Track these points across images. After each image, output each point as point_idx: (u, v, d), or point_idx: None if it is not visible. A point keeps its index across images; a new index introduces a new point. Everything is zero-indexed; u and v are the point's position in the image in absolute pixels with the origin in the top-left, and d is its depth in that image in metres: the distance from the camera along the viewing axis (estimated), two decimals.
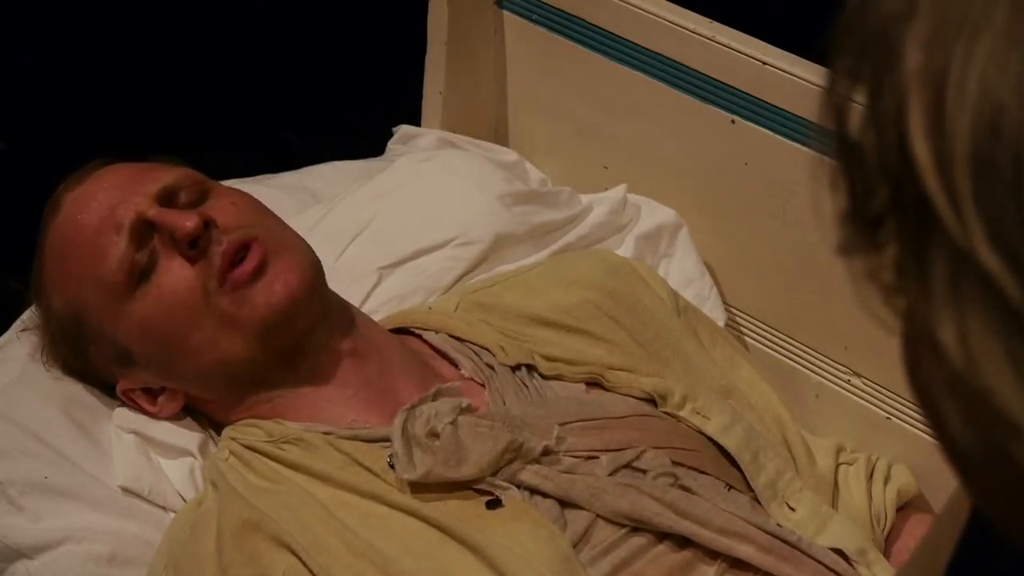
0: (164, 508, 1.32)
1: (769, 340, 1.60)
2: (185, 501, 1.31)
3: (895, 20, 0.48)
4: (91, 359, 1.35)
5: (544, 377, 1.34)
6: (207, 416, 1.36)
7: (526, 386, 1.32)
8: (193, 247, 1.26)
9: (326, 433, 1.26)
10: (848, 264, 0.51)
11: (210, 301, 1.26)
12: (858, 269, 0.51)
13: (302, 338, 1.28)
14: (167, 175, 1.32)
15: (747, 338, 1.62)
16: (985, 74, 0.45)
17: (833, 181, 0.51)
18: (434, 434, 1.20)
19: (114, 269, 1.28)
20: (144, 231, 1.29)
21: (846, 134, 0.50)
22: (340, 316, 1.33)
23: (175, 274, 1.27)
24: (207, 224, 1.27)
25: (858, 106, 0.50)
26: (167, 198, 1.31)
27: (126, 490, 1.31)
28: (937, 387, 0.48)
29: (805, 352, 1.57)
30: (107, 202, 1.30)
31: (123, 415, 1.35)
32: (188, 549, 1.20)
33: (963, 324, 0.46)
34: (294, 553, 1.15)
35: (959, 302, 0.46)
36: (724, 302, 1.61)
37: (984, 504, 0.51)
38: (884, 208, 0.49)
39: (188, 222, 1.26)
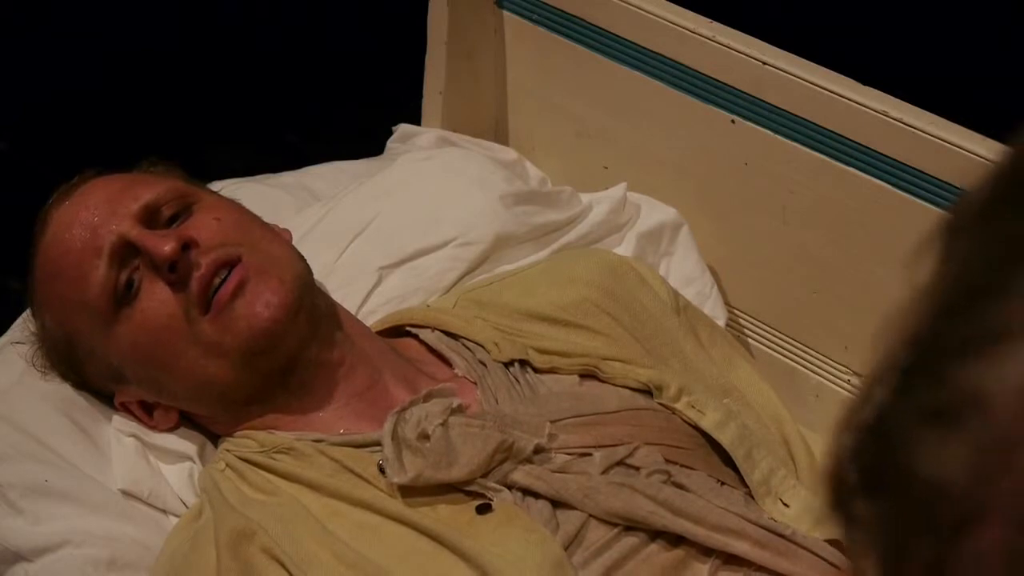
0: (164, 512, 1.32)
1: (769, 340, 1.60)
2: (185, 505, 1.31)
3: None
4: (86, 374, 1.35)
5: (537, 371, 1.34)
6: (203, 428, 1.36)
7: (518, 382, 1.32)
8: (172, 271, 1.25)
9: (316, 441, 1.26)
10: None
11: (193, 328, 1.26)
12: None
13: (290, 356, 1.28)
14: (149, 191, 1.31)
15: (747, 338, 1.62)
16: None
17: None
18: (424, 436, 1.20)
19: (96, 294, 1.28)
20: (126, 253, 1.28)
21: None
22: (329, 327, 1.32)
23: (157, 299, 1.26)
24: (186, 246, 1.26)
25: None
26: (149, 217, 1.30)
27: (126, 493, 1.31)
28: None
29: (805, 352, 1.57)
30: (89, 222, 1.29)
31: (123, 418, 1.35)
32: (191, 561, 1.21)
33: None
34: (284, 567, 1.15)
35: None
36: (724, 302, 1.61)
37: None
38: None
39: (166, 247, 1.25)
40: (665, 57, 1.57)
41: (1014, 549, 0.42)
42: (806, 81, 1.45)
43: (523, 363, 1.34)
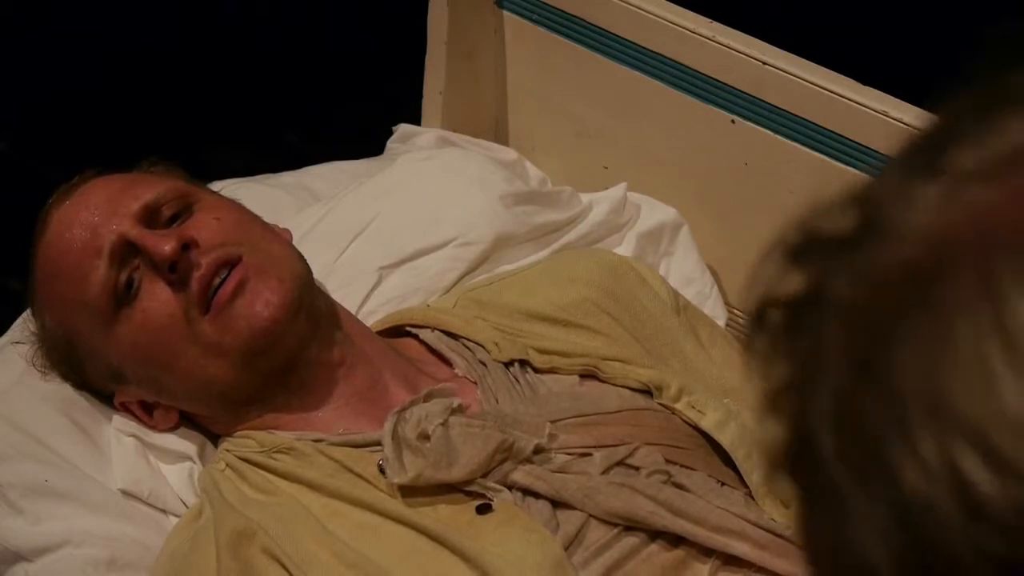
0: (164, 512, 1.32)
1: None
2: (185, 505, 1.32)
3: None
4: (87, 375, 1.35)
5: (537, 371, 1.34)
6: (203, 428, 1.36)
7: (518, 382, 1.32)
8: (173, 271, 1.25)
9: (316, 440, 1.26)
10: None
11: (193, 328, 1.26)
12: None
13: (290, 356, 1.28)
14: (149, 191, 1.31)
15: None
16: None
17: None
18: (424, 436, 1.20)
19: (97, 294, 1.28)
20: (126, 252, 1.28)
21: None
22: (329, 326, 1.32)
23: (157, 300, 1.27)
24: (186, 246, 1.26)
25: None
26: (149, 216, 1.30)
27: (126, 493, 1.31)
28: None
29: None
30: (89, 222, 1.30)
31: (123, 418, 1.35)
32: (191, 561, 1.21)
33: None
34: (284, 567, 1.16)
35: None
36: (724, 302, 1.61)
37: None
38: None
39: (166, 246, 1.25)
40: (665, 57, 1.57)
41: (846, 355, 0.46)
42: (806, 81, 1.45)
43: (523, 363, 1.34)
